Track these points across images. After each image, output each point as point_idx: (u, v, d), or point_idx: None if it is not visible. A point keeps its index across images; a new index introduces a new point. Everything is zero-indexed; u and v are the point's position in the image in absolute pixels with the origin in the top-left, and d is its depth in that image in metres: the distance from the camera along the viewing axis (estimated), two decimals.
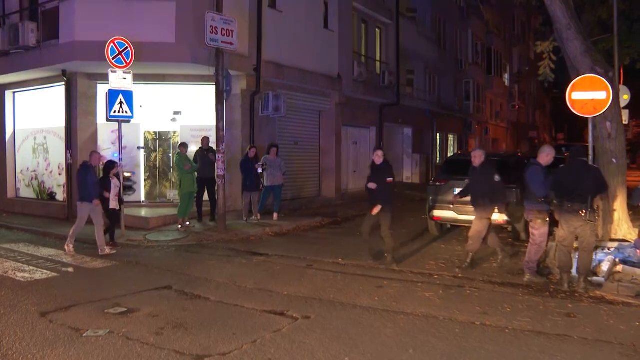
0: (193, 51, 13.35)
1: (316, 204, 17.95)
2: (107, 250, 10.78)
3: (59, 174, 15.93)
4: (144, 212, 14.36)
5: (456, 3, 33.44)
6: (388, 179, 9.70)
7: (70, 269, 9.56)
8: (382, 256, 9.93)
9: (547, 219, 8.61)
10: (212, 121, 13.29)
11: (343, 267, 9.71)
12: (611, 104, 10.20)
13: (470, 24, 35.36)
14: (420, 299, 7.68)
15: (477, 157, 9.61)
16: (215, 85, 12.87)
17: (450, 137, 34.51)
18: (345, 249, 11.21)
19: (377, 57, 23.79)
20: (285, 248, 10.78)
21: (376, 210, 9.55)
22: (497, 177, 9.36)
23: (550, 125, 67.60)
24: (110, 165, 11.45)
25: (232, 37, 12.95)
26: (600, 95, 10.10)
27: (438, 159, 30.78)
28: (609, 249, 9.21)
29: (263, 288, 8.22)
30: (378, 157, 9.82)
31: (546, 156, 8.66)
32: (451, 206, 11.79)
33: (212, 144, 13.70)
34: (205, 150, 13.78)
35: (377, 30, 23.78)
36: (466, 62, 35.20)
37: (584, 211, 7.97)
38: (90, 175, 10.73)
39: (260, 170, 14.02)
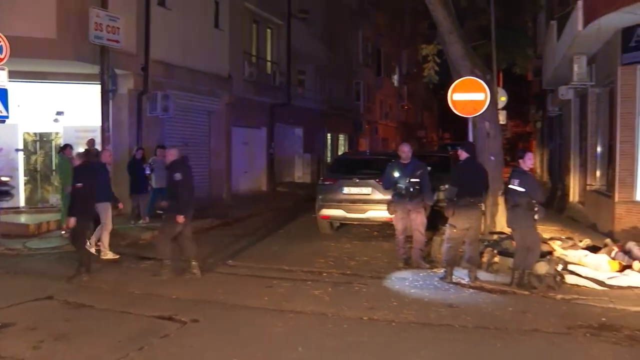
0: (76, 48, 12.76)
1: (207, 205, 17.72)
2: (111, 254, 10.27)
3: None
4: (23, 219, 13.56)
5: (347, 5, 34.10)
6: (77, 185, 9.01)
7: None
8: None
9: (395, 210, 9.68)
10: (97, 122, 12.84)
11: (233, 268, 9.70)
12: (489, 105, 10.90)
13: (361, 26, 36.20)
14: (309, 297, 7.82)
15: (167, 156, 9.31)
16: (101, 84, 12.48)
17: (341, 137, 35.22)
18: (236, 250, 11.23)
19: (268, 57, 23.86)
20: (174, 251, 10.58)
21: (71, 222, 9.10)
22: (177, 176, 8.87)
23: (438, 124, 70.37)
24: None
25: (118, 34, 12.59)
26: (479, 96, 10.77)
27: (329, 158, 31.32)
28: (488, 241, 9.82)
29: (151, 293, 8.07)
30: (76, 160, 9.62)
31: (400, 152, 9.90)
32: (340, 204, 12.18)
33: (98, 146, 13.20)
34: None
35: (269, 30, 23.86)
36: (357, 64, 36.01)
37: (482, 204, 8.79)
38: (104, 174, 10.28)
39: (148, 172, 13.69)
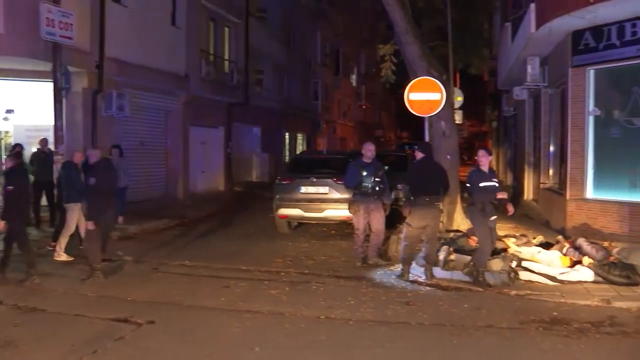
0: (26, 44, 12.38)
1: (164, 205, 17.50)
2: (65, 256, 10.05)
3: None
4: None
5: (306, 5, 34.10)
6: (8, 187, 8.55)
7: None
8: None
9: (358, 209, 9.70)
10: (50, 121, 12.52)
11: (190, 268, 9.60)
12: (445, 104, 11.08)
13: (320, 26, 36.26)
14: (266, 297, 7.79)
15: (90, 157, 9.55)
16: (53, 82, 12.16)
17: (299, 136, 35.23)
18: (192, 250, 11.12)
19: (226, 56, 23.69)
20: (130, 252, 10.38)
21: (1, 226, 8.72)
22: (91, 180, 8.83)
23: (395, 124, 70.95)
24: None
25: (71, 30, 12.32)
26: (435, 96, 10.95)
27: (287, 157, 31.27)
28: (445, 239, 9.97)
29: (106, 295, 7.90)
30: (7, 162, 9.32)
31: (365, 151, 9.94)
32: (297, 204, 12.20)
33: (51, 145, 12.90)
34: (42, 152, 12.96)
35: (226, 29, 23.67)
36: (315, 63, 36.06)
37: (440, 203, 8.83)
38: (75, 175, 10.06)
39: None
